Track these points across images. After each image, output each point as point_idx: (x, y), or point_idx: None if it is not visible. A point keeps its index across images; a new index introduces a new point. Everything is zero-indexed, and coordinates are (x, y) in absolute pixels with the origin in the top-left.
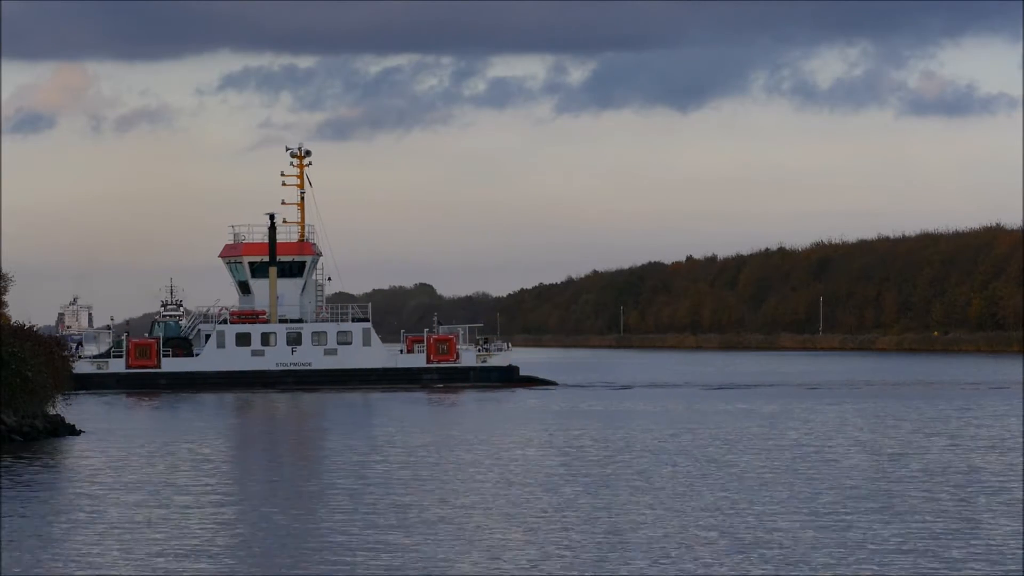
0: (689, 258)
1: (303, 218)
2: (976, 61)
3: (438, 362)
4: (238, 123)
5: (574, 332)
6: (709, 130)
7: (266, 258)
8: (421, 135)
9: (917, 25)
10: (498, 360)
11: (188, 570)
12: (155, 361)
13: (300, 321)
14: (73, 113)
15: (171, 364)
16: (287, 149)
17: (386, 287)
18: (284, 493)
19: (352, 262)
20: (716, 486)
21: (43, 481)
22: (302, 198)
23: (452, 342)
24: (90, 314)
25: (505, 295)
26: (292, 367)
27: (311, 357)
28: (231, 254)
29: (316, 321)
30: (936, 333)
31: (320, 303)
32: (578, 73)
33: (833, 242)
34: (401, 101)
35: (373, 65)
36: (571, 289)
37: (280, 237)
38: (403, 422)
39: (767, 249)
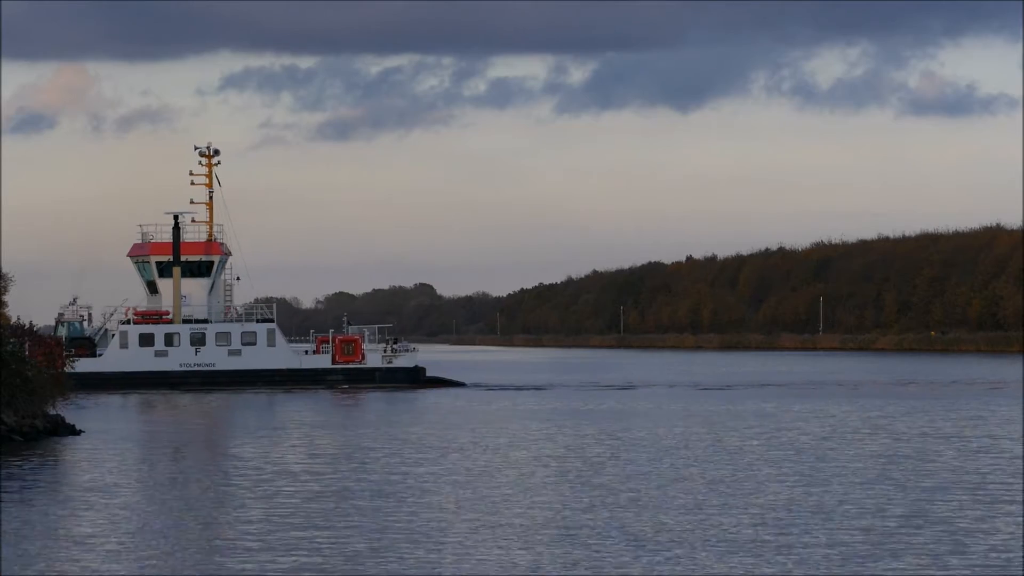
0: (689, 258)
1: (211, 218)
2: (976, 61)
3: (344, 363)
4: (239, 123)
5: (574, 332)
6: (709, 130)
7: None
8: (422, 135)
9: (917, 25)
10: (404, 361)
11: (189, 570)
12: None
13: (205, 321)
14: (74, 113)
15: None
16: (195, 148)
17: (386, 287)
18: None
19: (352, 261)
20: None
21: (43, 481)
22: (211, 197)
23: (358, 343)
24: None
25: (505, 295)
26: (196, 368)
27: (215, 358)
28: (139, 253)
29: (222, 321)
30: (933, 333)
31: (228, 303)
32: (578, 73)
33: (833, 242)
34: (402, 101)
35: (373, 65)
36: (571, 289)
37: (189, 237)
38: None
39: (767, 249)
